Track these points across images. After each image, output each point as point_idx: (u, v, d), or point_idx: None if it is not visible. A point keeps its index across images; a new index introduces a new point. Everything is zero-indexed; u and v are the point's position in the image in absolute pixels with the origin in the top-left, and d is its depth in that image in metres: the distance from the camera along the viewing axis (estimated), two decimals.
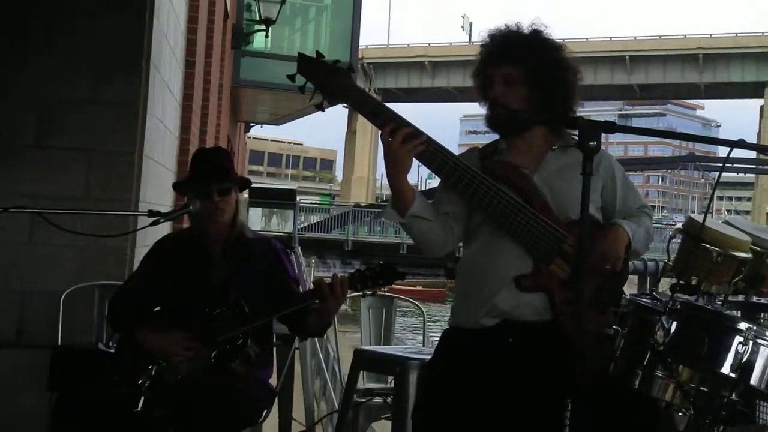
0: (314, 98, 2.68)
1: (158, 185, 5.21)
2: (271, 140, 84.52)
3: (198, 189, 3.27)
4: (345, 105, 2.69)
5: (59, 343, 3.92)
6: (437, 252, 2.68)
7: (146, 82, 4.47)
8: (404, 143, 2.52)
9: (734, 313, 3.05)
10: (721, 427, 2.35)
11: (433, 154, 2.57)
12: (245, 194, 17.57)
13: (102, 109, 4.41)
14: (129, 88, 4.42)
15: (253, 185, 3.73)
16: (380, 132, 2.58)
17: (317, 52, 2.67)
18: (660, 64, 50.04)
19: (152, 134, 4.73)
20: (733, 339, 2.20)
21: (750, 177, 55.57)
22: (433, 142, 2.58)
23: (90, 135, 4.38)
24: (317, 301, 3.09)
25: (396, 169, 2.55)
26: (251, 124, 25.07)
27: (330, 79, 2.63)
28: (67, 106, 4.39)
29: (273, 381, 3.53)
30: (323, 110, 2.74)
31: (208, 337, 3.13)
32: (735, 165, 42.27)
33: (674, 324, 2.28)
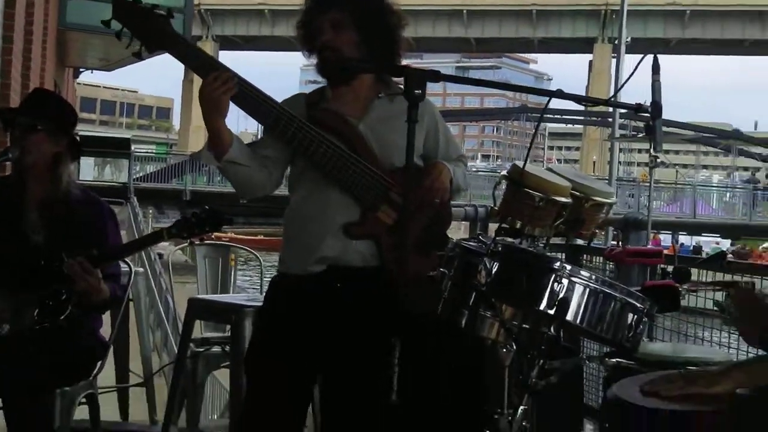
0: (132, 46, 2.60)
1: None
2: (104, 87, 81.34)
3: (9, 121, 3.14)
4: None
5: None
6: (254, 195, 2.71)
7: None
8: (219, 86, 2.50)
9: (554, 254, 3.22)
10: (541, 360, 2.48)
11: (256, 102, 2.56)
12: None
13: None
14: None
15: (85, 133, 3.60)
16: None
17: None
18: (496, 18, 51.25)
19: None
20: (549, 277, 2.31)
21: (580, 128, 58.02)
22: (254, 89, 2.58)
23: None
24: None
25: (211, 112, 2.53)
26: (81, 70, 24.01)
27: (148, 25, 2.56)
28: None
29: (106, 333, 3.46)
30: (142, 59, 2.67)
31: (29, 293, 3.02)
32: (563, 116, 44.05)
33: (496, 265, 2.38)
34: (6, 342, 2.99)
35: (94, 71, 24.59)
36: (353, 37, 2.64)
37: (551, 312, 2.33)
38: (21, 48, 7.17)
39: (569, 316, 2.34)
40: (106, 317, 3.48)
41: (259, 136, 2.89)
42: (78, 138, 3.30)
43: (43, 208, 3.17)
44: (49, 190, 3.18)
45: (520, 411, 2.50)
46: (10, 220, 3.15)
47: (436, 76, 2.27)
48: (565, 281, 2.32)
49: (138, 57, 2.62)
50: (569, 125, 59.05)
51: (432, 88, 2.27)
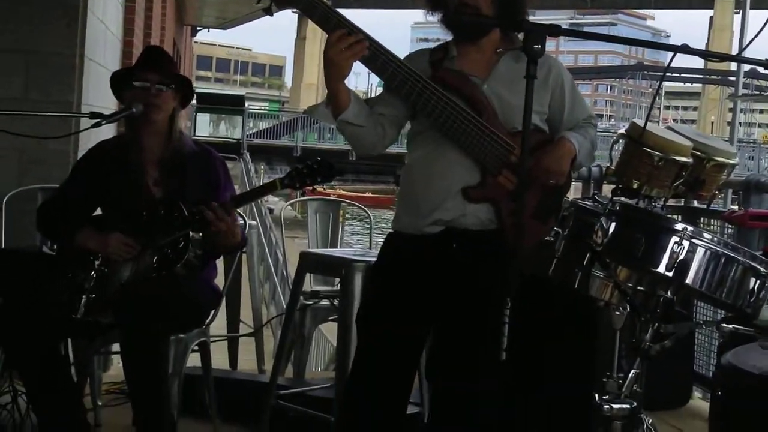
0: (262, 1, 2.61)
1: (101, 88, 5.08)
2: (219, 45, 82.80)
3: (134, 79, 3.21)
4: (294, 10, 2.63)
5: (2, 247, 3.87)
6: (367, 153, 2.73)
7: None
8: (346, 49, 2.48)
9: (673, 216, 3.12)
10: (656, 324, 2.42)
11: (383, 63, 2.54)
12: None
13: (40, 10, 4.27)
14: None
15: (201, 90, 3.67)
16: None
17: None
18: None
19: (93, 35, 4.59)
20: (669, 239, 2.25)
21: (697, 87, 56.07)
22: (382, 49, 2.55)
23: (28, 35, 4.25)
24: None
25: (333, 74, 2.52)
26: (198, 28, 24.52)
27: None
28: (3, 6, 4.24)
29: (220, 283, 3.55)
30: (272, 14, 2.67)
31: (149, 242, 3.12)
32: (682, 75, 42.57)
33: (613, 225, 2.32)
34: (125, 288, 3.10)
35: (210, 30, 25.08)
36: None
37: (670, 274, 2.27)
38: (143, 7, 7.35)
39: (689, 279, 2.27)
40: (220, 268, 3.56)
41: (370, 95, 2.88)
42: (193, 90, 3.37)
43: (161, 162, 3.26)
44: (165, 144, 3.26)
45: (631, 374, 2.44)
46: (130, 175, 3.24)
47: (555, 31, 2.20)
48: (686, 243, 2.24)
49: (268, 13, 2.62)
50: (687, 84, 57.02)
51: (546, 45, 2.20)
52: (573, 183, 5.57)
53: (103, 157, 3.33)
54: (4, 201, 3.92)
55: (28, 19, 4.24)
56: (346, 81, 2.58)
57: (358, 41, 2.49)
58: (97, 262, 3.13)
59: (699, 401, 4.53)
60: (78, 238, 3.17)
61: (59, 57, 4.28)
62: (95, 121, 3.04)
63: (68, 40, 4.29)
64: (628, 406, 2.38)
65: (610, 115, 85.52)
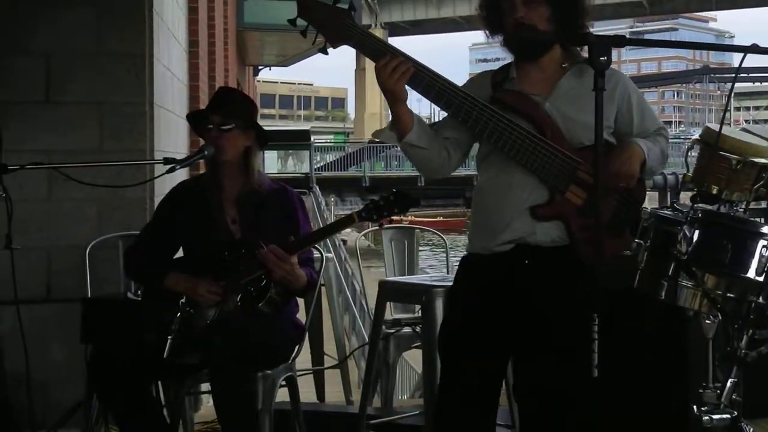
0: (317, 41, 2.66)
1: (171, 133, 5.20)
2: (281, 82, 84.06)
3: (201, 121, 3.28)
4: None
5: (89, 296, 3.96)
6: (432, 176, 2.74)
7: (150, 30, 4.44)
8: (392, 73, 2.51)
9: (757, 219, 3.05)
10: (751, 330, 2.35)
11: (438, 92, 2.56)
12: None
13: (109, 61, 4.38)
14: (134, 38, 4.39)
15: (267, 128, 3.72)
16: None
17: None
18: None
19: (160, 83, 4.71)
20: (757, 243, 2.19)
21: (767, 85, 54.81)
22: (437, 78, 2.57)
23: (99, 87, 4.37)
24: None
25: (391, 99, 2.59)
26: (259, 67, 24.93)
27: (331, 20, 2.60)
28: (74, 59, 4.37)
29: (302, 318, 3.57)
30: (327, 53, 2.72)
31: (232, 281, 3.16)
32: (750, 75, 41.69)
33: (696, 233, 2.26)
34: (212, 328, 3.14)
35: (271, 68, 25.47)
36: (545, 11, 2.59)
37: (760, 279, 2.20)
38: (206, 51, 7.51)
39: None
40: (301, 302, 3.59)
41: (433, 120, 2.91)
42: (264, 129, 3.42)
43: (239, 201, 3.31)
44: (243, 183, 3.31)
45: (729, 383, 2.38)
46: (209, 216, 3.30)
47: (620, 41, 2.18)
48: None
49: (324, 52, 2.68)
50: (755, 84, 55.78)
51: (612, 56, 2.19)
52: (649, 193, 5.49)
53: (183, 198, 3.40)
54: (87, 251, 4.02)
55: (98, 71, 4.36)
56: (409, 104, 2.61)
57: (402, 62, 2.52)
58: (182, 303, 3.18)
59: None
60: (167, 281, 3.23)
61: (130, 106, 4.39)
62: (169, 166, 3.11)
63: (137, 89, 4.40)
64: (728, 416, 2.32)
65: (679, 121, 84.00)
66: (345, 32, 2.60)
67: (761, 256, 2.19)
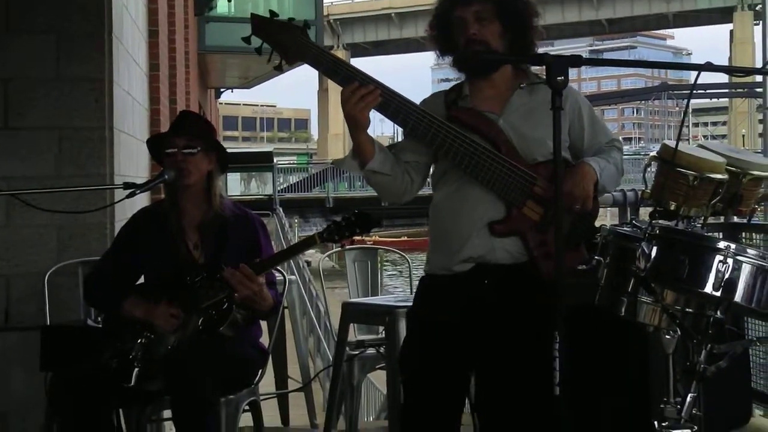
0: (273, 59, 2.66)
1: (132, 158, 5.16)
2: (244, 104, 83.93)
3: (162, 145, 3.25)
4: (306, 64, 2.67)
5: (48, 323, 3.91)
6: (396, 201, 2.74)
7: (110, 54, 4.41)
8: (358, 101, 2.51)
9: (714, 234, 3.08)
10: (709, 345, 2.38)
11: (395, 109, 2.57)
12: None
13: (68, 86, 4.35)
14: (93, 62, 4.37)
15: (230, 150, 3.71)
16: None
17: (270, 12, 2.65)
18: None
19: (120, 107, 4.68)
20: (713, 258, 2.21)
21: (725, 101, 55.71)
22: (394, 95, 2.58)
23: (57, 112, 4.33)
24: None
25: (353, 126, 2.58)
26: (221, 90, 24.87)
27: (286, 38, 2.61)
28: (32, 84, 4.33)
29: (265, 341, 3.55)
30: (283, 71, 2.73)
31: (193, 305, 3.14)
32: (708, 91, 42.32)
33: (654, 249, 2.29)
34: (173, 353, 3.11)
35: (233, 90, 25.40)
36: (497, 28, 2.62)
37: (717, 294, 2.23)
38: (167, 74, 7.47)
39: (737, 297, 2.23)
40: (264, 325, 3.57)
41: (396, 139, 2.91)
42: (226, 151, 3.40)
43: (202, 226, 3.29)
44: (205, 208, 3.29)
45: (689, 399, 2.40)
46: (170, 241, 3.27)
47: (577, 61, 2.21)
48: (730, 261, 2.21)
49: (279, 70, 2.68)
50: (713, 99, 56.68)
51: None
52: (609, 209, 5.54)
53: (144, 224, 3.37)
54: (46, 277, 3.97)
55: (57, 96, 4.32)
56: (371, 127, 2.62)
57: (370, 92, 2.52)
58: (143, 330, 3.15)
59: (761, 419, 4.43)
60: (125, 307, 3.20)
61: (89, 131, 4.35)
62: (130, 191, 3.09)
63: (97, 114, 4.36)
64: (689, 430, 2.33)
65: (639, 138, 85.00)
66: (300, 50, 2.61)
67: (717, 271, 2.22)
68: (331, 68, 2.60)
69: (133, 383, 3.03)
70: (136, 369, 3.04)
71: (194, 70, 13.00)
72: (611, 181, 2.72)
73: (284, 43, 2.62)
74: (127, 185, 3.11)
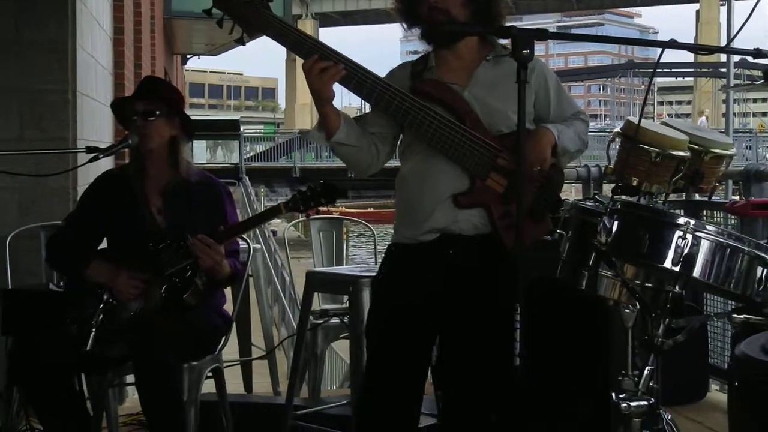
0: (234, 32, 2.63)
1: (95, 122, 5.11)
2: (211, 71, 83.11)
3: (125, 109, 3.23)
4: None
5: (9, 287, 3.88)
6: (363, 173, 2.74)
7: (73, 16, 4.35)
8: (320, 74, 2.51)
9: (675, 210, 3.13)
10: (667, 319, 2.41)
11: (359, 82, 2.56)
12: None
13: (30, 48, 4.29)
14: (56, 25, 4.31)
15: (195, 118, 3.68)
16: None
17: None
18: None
19: (84, 70, 4.62)
20: (673, 233, 2.24)
21: (689, 80, 56.16)
22: (358, 69, 2.57)
23: (20, 75, 4.28)
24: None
25: (317, 99, 2.57)
26: (188, 57, 24.57)
27: (247, 10, 2.57)
28: None
29: (229, 309, 3.55)
30: (244, 44, 2.70)
31: (156, 272, 3.13)
32: (673, 70, 42.62)
33: (615, 223, 2.31)
34: (136, 320, 3.10)
35: (200, 57, 25.10)
36: None
37: (676, 269, 2.26)
38: (132, 39, 7.39)
39: (696, 273, 2.26)
40: (228, 293, 3.57)
41: (363, 111, 2.91)
42: (190, 118, 3.38)
43: (165, 191, 3.27)
44: (169, 173, 3.27)
45: (646, 371, 2.44)
46: (135, 206, 3.25)
47: (543, 35, 2.22)
48: (689, 236, 2.24)
49: (240, 42, 2.65)
50: (678, 78, 57.09)
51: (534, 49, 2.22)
52: (573, 184, 5.57)
53: (108, 187, 3.35)
54: (8, 241, 3.93)
55: (19, 59, 4.26)
56: (336, 100, 2.61)
57: (332, 65, 2.51)
58: (105, 295, 3.14)
59: (717, 393, 4.53)
60: (89, 271, 3.18)
61: (52, 94, 4.30)
62: (92, 155, 3.06)
63: (60, 76, 4.31)
64: (645, 402, 2.37)
65: (605, 115, 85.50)
66: (262, 22, 2.58)
67: (677, 246, 2.25)
68: (294, 42, 2.58)
69: (89, 348, 3.02)
70: (93, 332, 3.02)
71: (160, 36, 12.84)
72: (572, 144, 2.71)
73: (245, 16, 2.58)
74: (89, 149, 3.08)
